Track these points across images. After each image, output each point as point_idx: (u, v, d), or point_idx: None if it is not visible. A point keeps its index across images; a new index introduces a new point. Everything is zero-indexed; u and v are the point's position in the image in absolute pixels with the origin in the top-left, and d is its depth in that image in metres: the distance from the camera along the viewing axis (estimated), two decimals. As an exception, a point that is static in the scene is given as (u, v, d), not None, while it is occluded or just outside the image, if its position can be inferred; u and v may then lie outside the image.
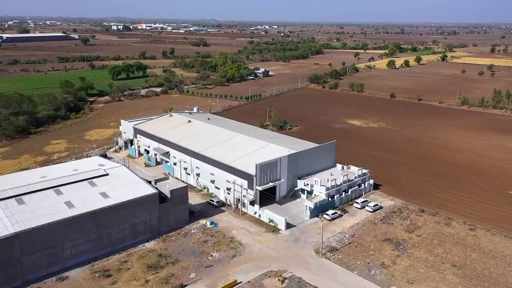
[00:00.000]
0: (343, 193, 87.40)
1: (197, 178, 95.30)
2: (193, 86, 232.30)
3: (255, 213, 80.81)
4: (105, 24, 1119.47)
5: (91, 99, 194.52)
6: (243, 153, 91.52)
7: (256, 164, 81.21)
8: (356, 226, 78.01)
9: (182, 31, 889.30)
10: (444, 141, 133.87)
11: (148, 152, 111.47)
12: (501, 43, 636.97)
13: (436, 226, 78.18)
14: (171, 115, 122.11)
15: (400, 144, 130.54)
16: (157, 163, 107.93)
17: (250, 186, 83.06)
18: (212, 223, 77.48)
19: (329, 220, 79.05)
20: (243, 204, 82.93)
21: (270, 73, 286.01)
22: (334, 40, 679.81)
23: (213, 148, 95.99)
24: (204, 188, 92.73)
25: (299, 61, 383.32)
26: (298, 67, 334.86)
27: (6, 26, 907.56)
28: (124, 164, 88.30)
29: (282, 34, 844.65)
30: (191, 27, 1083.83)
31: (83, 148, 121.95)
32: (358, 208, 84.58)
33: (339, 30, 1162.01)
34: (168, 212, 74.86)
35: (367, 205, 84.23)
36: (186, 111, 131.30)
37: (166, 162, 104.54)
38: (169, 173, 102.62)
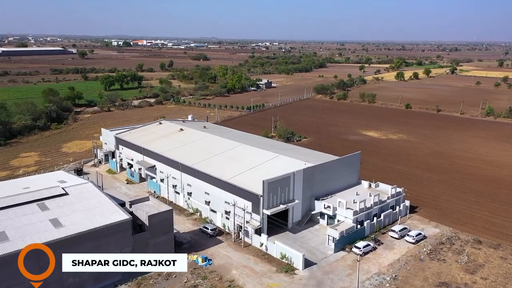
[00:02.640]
0: (374, 218, 68.28)
1: (188, 198, 76.39)
2: (191, 97, 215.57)
3: (262, 245, 61.57)
4: (106, 40, 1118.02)
5: (78, 110, 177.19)
6: (246, 167, 72.91)
7: (263, 181, 62.56)
8: (397, 263, 58.59)
9: (183, 47, 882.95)
10: (478, 154, 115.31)
11: (131, 166, 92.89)
12: (506, 58, 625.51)
13: (504, 264, 58.78)
14: (160, 123, 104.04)
15: (428, 158, 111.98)
16: (142, 180, 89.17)
17: (256, 209, 64.15)
18: (205, 259, 58.21)
19: (361, 255, 59.70)
20: (246, 233, 63.78)
21: (273, 84, 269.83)
22: (337, 55, 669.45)
23: (208, 161, 77.44)
24: (197, 211, 73.70)
25: (302, 74, 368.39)
26: (301, 79, 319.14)
27: (6, 42, 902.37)
28: (92, 180, 69.43)
29: (283, 50, 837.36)
30: (191, 43, 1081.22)
31: (57, 162, 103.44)
32: (395, 237, 65.30)
33: (340, 47, 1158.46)
34: (145, 244, 55.74)
35: (407, 234, 64.97)
36: (179, 119, 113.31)
37: (152, 178, 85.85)
38: (154, 192, 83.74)
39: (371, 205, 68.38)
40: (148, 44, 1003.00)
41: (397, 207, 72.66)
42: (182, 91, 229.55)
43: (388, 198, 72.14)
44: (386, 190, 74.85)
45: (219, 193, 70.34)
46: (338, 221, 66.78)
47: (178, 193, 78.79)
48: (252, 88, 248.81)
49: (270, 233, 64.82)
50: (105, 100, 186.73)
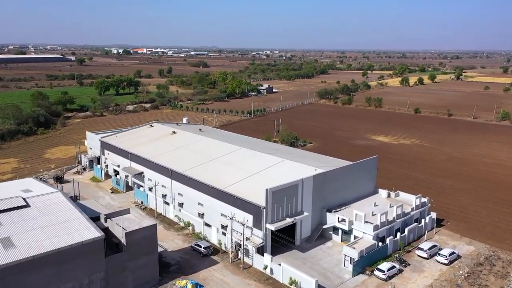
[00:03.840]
0: (397, 233, 57.91)
1: (180, 210, 66.12)
2: (189, 102, 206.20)
3: (266, 267, 51.12)
4: (106, 49, 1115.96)
5: (69, 114, 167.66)
6: (247, 174, 62.82)
7: (266, 190, 52.42)
8: (431, 290, 48.10)
9: (183, 55, 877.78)
10: (501, 160, 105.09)
11: (117, 173, 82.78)
12: (510, 65, 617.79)
13: (561, 290, 48.24)
14: (151, 125, 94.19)
15: (446, 164, 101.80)
16: (128, 188, 79.00)
17: (257, 223, 53.90)
18: (196, 285, 47.76)
19: (384, 280, 49.27)
20: (246, 252, 53.42)
21: (274, 89, 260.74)
22: (338, 63, 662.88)
23: (203, 167, 67.36)
24: (189, 224, 63.38)
25: (304, 80, 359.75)
26: (303, 85, 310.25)
27: (5, 50, 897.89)
28: (61, 190, 59.25)
29: (284, 58, 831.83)
30: (192, 51, 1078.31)
31: (37, 168, 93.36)
32: (423, 257, 54.85)
33: (340, 55, 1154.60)
34: (122, 268, 45.39)
35: (438, 253, 54.51)
36: (172, 122, 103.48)
37: (139, 186, 75.66)
38: (142, 202, 73.51)
39: (394, 218, 58.05)
40: (148, 52, 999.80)
41: (423, 220, 62.24)
42: (180, 96, 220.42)
43: (412, 209, 61.80)
44: (409, 200, 64.60)
45: (215, 204, 60.12)
46: (355, 237, 56.43)
47: (168, 204, 68.53)
48: (253, 93, 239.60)
49: (274, 252, 54.51)
50: (98, 104, 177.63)
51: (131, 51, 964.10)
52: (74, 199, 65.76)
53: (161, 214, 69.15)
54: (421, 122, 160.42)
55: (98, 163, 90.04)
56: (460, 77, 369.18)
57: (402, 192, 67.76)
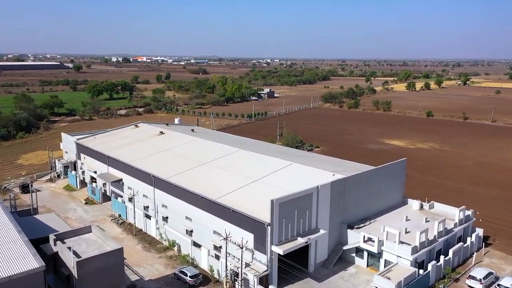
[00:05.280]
0: (441, 256, 45.08)
1: (163, 225, 53.45)
2: (186, 106, 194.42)
3: (271, 304, 38.27)
4: (106, 57, 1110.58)
5: (56, 118, 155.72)
6: (246, 180, 50.31)
7: (272, 201, 39.85)
8: None
9: (183, 63, 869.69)
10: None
11: (95, 180, 70.22)
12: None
13: None
14: (136, 126, 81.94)
15: (475, 170, 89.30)
16: (106, 198, 66.39)
17: (260, 245, 41.20)
18: (176, 332, 34.85)
19: (433, 323, 36.34)
20: (246, 283, 40.59)
21: (275, 94, 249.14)
22: (339, 70, 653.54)
23: (193, 173, 54.87)
24: (173, 244, 50.63)
25: (306, 85, 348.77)
26: (305, 90, 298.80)
27: (4, 59, 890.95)
28: (2, 201, 46.76)
29: (285, 65, 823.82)
30: (192, 60, 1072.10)
31: (5, 176, 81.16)
32: (477, 289, 41.98)
33: (341, 63, 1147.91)
34: (73, 311, 32.60)
35: (498, 284, 41.62)
36: (162, 122, 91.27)
37: (118, 196, 63.05)
38: (119, 216, 60.87)
39: (435, 236, 45.28)
40: (148, 60, 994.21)
41: (468, 239, 49.47)
42: (177, 100, 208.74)
43: (455, 225, 49.03)
44: (447, 213, 51.98)
45: (206, 219, 47.48)
46: (386, 262, 43.66)
47: (150, 218, 55.89)
48: (253, 98, 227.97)
49: (282, 282, 41.74)
50: (88, 108, 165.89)
51: (131, 59, 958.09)
52: (33, 212, 53.18)
53: (141, 230, 56.52)
54: (435, 126, 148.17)
55: (75, 168, 77.59)
56: (467, 82, 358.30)
57: (437, 202, 55.15)
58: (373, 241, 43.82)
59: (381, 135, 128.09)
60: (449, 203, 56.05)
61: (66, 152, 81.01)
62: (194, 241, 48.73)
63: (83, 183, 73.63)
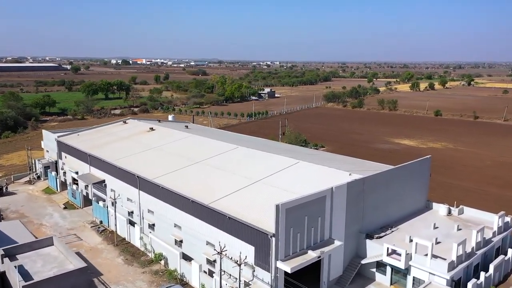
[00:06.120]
0: (481, 273, 37.47)
1: (149, 234, 45.86)
2: (184, 106, 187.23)
3: (277, 336, 30.62)
4: (105, 60, 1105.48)
5: (47, 118, 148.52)
6: (246, 181, 42.77)
7: (277, 206, 32.28)
8: None
9: (183, 65, 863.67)
10: None
11: (76, 182, 62.69)
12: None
13: None
14: (125, 122, 74.51)
15: (495, 170, 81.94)
16: (87, 202, 58.83)
17: (262, 260, 33.61)
18: None
19: None
20: (245, 308, 32.98)
21: (276, 94, 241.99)
22: (340, 72, 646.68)
23: (184, 173, 47.34)
24: (160, 257, 43.00)
25: (307, 86, 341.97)
26: (307, 90, 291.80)
27: (3, 61, 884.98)
28: None
29: (285, 67, 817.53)
30: (192, 62, 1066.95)
31: (-20, 177, 73.43)
32: (528, 314, 34.33)
33: (341, 65, 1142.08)
34: None
35: (554, 308, 34.03)
36: (153, 119, 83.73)
37: (100, 200, 55.51)
38: (101, 222, 53.33)
39: (473, 248, 37.70)
40: (148, 62, 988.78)
41: (509, 251, 41.86)
42: (175, 100, 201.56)
43: (494, 234, 41.46)
44: (480, 219, 44.49)
45: (198, 228, 39.96)
46: (415, 280, 36.07)
47: (133, 225, 48.34)
48: (254, 98, 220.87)
49: (289, 305, 34.14)
50: (81, 108, 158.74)
51: (130, 62, 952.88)
52: (-3, 219, 45.71)
53: (124, 239, 48.96)
54: (445, 125, 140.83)
55: (56, 169, 70.07)
56: (472, 82, 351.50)
57: (467, 207, 47.62)
58: (399, 255, 36.26)
59: (389, 135, 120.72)
60: (475, 207, 48.69)
61: (47, 151, 73.53)
62: (183, 253, 41.17)
63: (64, 185, 66.11)
